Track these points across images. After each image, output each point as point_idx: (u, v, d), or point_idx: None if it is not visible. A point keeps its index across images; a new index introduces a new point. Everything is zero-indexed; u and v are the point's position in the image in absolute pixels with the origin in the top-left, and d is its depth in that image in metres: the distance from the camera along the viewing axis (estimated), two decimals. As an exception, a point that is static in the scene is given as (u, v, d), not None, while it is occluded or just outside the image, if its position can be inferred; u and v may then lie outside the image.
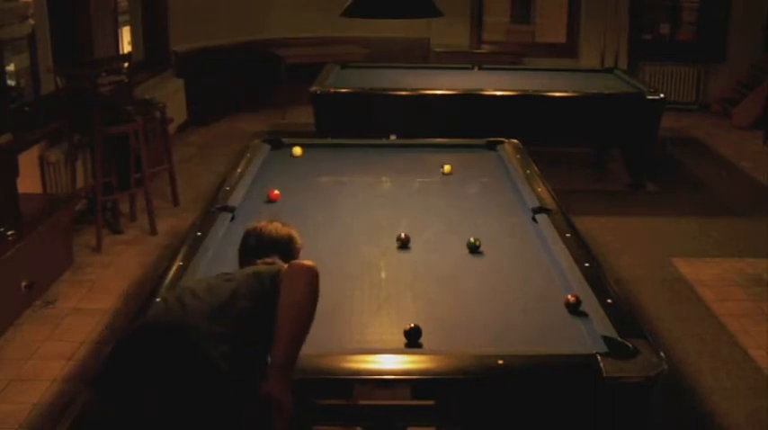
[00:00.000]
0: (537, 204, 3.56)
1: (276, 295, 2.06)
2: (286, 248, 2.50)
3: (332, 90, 6.14)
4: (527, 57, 9.07)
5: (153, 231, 5.42)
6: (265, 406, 1.92)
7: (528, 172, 4.07)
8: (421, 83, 6.45)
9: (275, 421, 1.92)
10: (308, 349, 2.08)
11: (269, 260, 2.39)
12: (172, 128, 6.41)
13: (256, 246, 2.50)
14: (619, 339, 2.32)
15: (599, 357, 2.21)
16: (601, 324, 2.45)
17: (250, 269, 2.27)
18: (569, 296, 2.62)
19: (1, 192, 4.32)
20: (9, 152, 4.41)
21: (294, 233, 2.57)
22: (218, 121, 8.46)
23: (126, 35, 7.29)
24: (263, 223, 2.59)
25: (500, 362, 2.21)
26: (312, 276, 2.10)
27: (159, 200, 5.80)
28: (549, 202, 3.58)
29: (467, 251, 3.10)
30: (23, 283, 4.24)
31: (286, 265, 2.19)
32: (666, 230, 5.60)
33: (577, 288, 2.71)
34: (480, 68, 7.32)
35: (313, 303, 2.08)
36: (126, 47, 7.20)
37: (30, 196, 4.74)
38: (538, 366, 2.26)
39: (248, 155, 4.33)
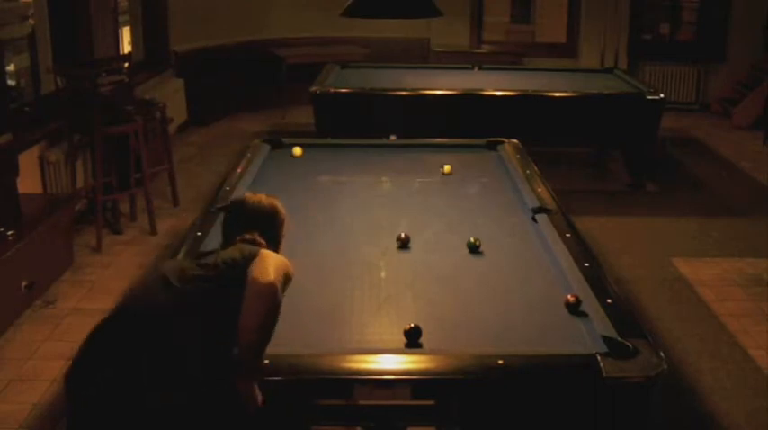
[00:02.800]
0: (537, 204, 3.56)
1: (242, 290, 2.08)
2: (269, 222, 2.42)
3: (332, 90, 6.14)
4: (527, 57, 9.07)
5: (153, 231, 5.42)
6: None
7: (528, 172, 4.07)
8: (421, 83, 6.45)
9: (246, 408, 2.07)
10: (308, 349, 2.08)
11: (248, 237, 2.32)
12: (172, 128, 6.41)
13: (238, 218, 2.43)
14: (619, 339, 2.32)
15: (599, 357, 2.21)
16: (601, 324, 2.45)
17: (224, 255, 2.23)
18: (569, 296, 2.62)
19: (1, 192, 4.32)
20: (9, 152, 4.41)
21: (278, 204, 2.49)
22: (218, 121, 8.46)
23: (126, 35, 7.28)
24: (247, 194, 2.57)
25: (500, 362, 2.21)
26: (270, 297, 2.07)
27: (159, 200, 5.80)
28: (549, 202, 3.58)
29: (467, 251, 3.10)
30: (23, 283, 4.24)
31: (258, 257, 2.15)
32: (666, 230, 5.60)
33: (577, 288, 2.71)
34: (480, 68, 7.32)
35: (272, 322, 2.09)
36: (126, 47, 7.19)
37: (30, 196, 4.74)
38: (538, 366, 2.26)
39: (248, 155, 4.32)
